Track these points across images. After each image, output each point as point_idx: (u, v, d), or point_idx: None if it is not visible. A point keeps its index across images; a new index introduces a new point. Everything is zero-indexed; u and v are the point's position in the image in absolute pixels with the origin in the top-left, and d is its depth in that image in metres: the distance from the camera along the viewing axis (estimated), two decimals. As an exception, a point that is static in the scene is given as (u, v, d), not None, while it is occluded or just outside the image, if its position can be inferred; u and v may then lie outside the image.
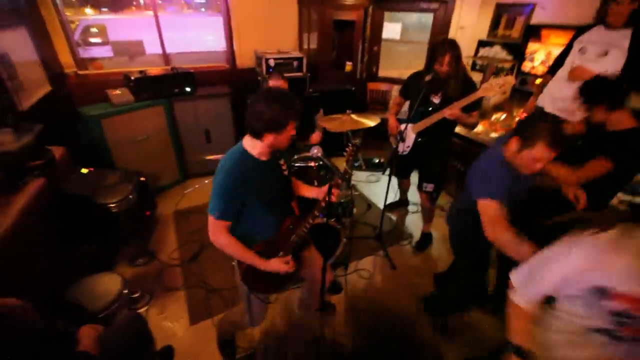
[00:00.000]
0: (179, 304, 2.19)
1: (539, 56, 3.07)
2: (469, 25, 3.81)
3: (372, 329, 2.08)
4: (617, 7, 2.05)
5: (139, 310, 2.11)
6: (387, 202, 2.65)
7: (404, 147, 2.50)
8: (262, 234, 1.45)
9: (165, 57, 3.63)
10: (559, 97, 2.46)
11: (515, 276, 1.13)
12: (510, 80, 1.99)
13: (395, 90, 4.36)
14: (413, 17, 4.95)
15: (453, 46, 2.06)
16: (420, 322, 2.12)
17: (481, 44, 3.66)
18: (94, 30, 4.57)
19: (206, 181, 3.50)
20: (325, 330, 2.00)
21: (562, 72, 2.44)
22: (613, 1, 2.05)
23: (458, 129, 3.07)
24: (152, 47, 3.61)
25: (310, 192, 1.66)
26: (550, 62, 2.65)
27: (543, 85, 2.64)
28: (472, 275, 1.90)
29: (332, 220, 2.51)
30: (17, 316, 1.16)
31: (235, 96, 3.49)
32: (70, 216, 2.11)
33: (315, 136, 2.75)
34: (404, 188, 3.16)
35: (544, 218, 1.79)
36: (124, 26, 4.75)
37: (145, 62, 3.62)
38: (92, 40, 4.52)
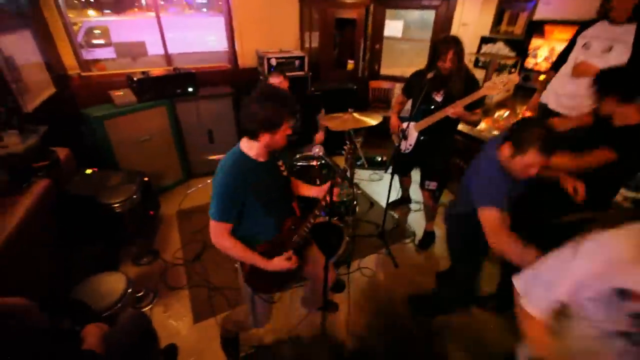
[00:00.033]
0: (183, 302, 2.21)
1: (542, 52, 3.05)
2: (471, 21, 3.78)
3: (375, 328, 2.08)
4: (621, 2, 2.02)
5: (143, 309, 2.13)
6: (390, 201, 2.65)
7: (407, 145, 2.49)
8: (263, 235, 1.46)
9: (168, 58, 3.65)
10: (563, 94, 2.44)
11: (519, 282, 1.08)
12: (515, 78, 1.98)
13: (398, 88, 4.35)
14: (415, 15, 4.92)
15: (456, 43, 2.05)
16: (423, 320, 2.12)
17: (484, 40, 3.64)
18: (96, 31, 4.62)
19: (209, 181, 3.51)
20: (328, 329, 2.00)
21: (566, 68, 2.42)
22: None
23: (461, 127, 3.06)
24: (154, 48, 3.62)
25: (310, 191, 1.66)
26: (554, 58, 2.62)
27: (547, 81, 2.62)
28: (469, 278, 1.90)
29: (335, 218, 2.51)
30: (23, 316, 1.17)
31: (237, 96, 3.50)
32: (75, 216, 2.13)
33: (319, 136, 2.75)
34: (405, 185, 3.17)
35: (548, 215, 1.79)
36: (127, 27, 4.78)
37: (148, 63, 3.63)
38: (95, 41, 4.57)
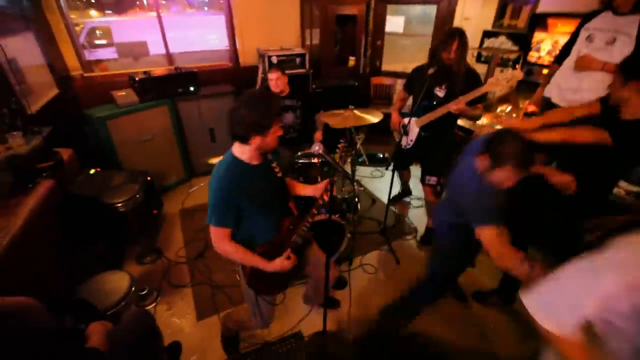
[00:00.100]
0: (186, 300, 2.23)
1: (545, 46, 3.01)
2: (473, 15, 3.75)
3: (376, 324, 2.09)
4: None
5: (147, 307, 2.16)
6: (393, 197, 2.65)
7: (407, 141, 2.49)
8: (262, 237, 1.47)
9: (169, 57, 3.66)
10: (566, 88, 2.41)
11: (533, 304, 0.95)
12: (518, 74, 1.96)
13: (399, 84, 4.32)
14: (416, 9, 4.88)
15: (460, 34, 2.06)
16: (424, 317, 2.12)
17: (486, 34, 3.60)
18: (99, 32, 4.64)
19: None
20: (330, 326, 2.01)
21: (569, 61, 2.38)
22: None
23: (462, 122, 3.05)
24: (156, 48, 3.63)
25: (305, 190, 1.66)
26: (557, 52, 2.59)
27: (550, 75, 2.58)
28: (449, 284, 1.88)
29: (336, 215, 2.51)
30: (27, 314, 1.20)
31: (238, 94, 3.51)
32: (79, 216, 2.16)
33: (318, 135, 2.76)
34: (404, 179, 3.20)
35: (547, 215, 1.77)
36: (128, 27, 4.80)
37: (150, 63, 3.65)
38: (97, 42, 4.59)
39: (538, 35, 3.06)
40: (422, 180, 2.57)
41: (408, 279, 2.39)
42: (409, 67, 2.57)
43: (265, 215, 1.44)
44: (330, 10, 4.03)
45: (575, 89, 2.31)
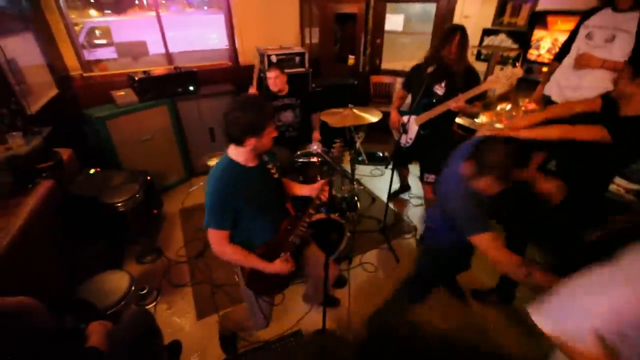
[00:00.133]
0: (186, 299, 2.24)
1: (545, 44, 3.00)
2: (473, 13, 3.73)
3: (376, 322, 2.09)
4: None
5: (148, 307, 2.17)
6: (391, 193, 2.66)
7: (407, 139, 2.49)
8: (260, 239, 1.47)
9: (169, 57, 3.66)
10: (566, 86, 2.40)
11: (542, 319, 0.90)
12: (518, 72, 1.96)
13: (399, 82, 4.31)
14: (416, 8, 4.86)
15: (462, 30, 2.09)
16: (423, 314, 2.13)
17: (486, 32, 3.59)
18: (98, 32, 4.64)
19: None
20: (329, 324, 2.02)
21: (569, 59, 2.38)
22: None
23: (462, 121, 3.05)
24: (155, 47, 3.63)
25: (302, 190, 1.67)
26: (557, 50, 2.58)
27: (550, 73, 2.58)
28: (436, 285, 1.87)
29: (336, 214, 2.52)
30: (28, 314, 1.20)
31: (238, 93, 3.50)
32: (79, 216, 2.17)
33: (316, 134, 2.77)
34: (403, 175, 3.22)
35: (545, 215, 1.77)
36: (128, 27, 4.80)
37: (149, 62, 3.65)
38: (97, 42, 4.59)
39: (538, 33, 3.05)
40: (421, 178, 2.57)
41: (407, 277, 2.39)
42: (408, 66, 2.57)
43: (262, 216, 1.44)
44: (329, 8, 4.02)
45: (575, 86, 2.30)
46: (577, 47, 2.29)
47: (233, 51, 3.84)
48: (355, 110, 2.51)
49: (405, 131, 2.41)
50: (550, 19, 2.93)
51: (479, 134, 1.80)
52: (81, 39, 4.13)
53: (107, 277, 1.83)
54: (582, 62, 2.20)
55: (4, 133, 1.93)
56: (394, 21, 4.42)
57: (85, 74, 3.21)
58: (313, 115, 2.82)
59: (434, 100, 2.27)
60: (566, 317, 0.86)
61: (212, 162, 2.68)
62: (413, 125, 2.40)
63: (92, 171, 2.53)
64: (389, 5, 4.25)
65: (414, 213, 3.11)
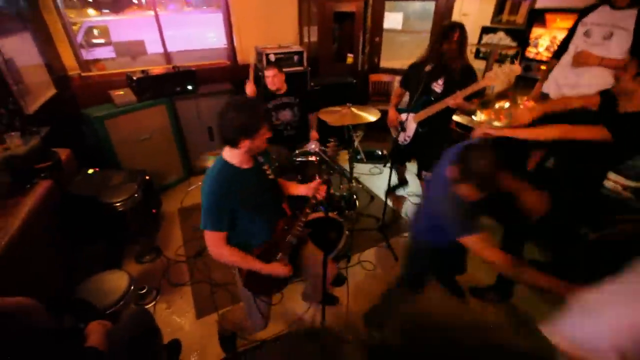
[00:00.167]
0: (186, 299, 2.25)
1: (543, 41, 3.00)
2: (472, 11, 3.73)
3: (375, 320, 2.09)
4: None
5: (147, 306, 2.17)
6: (389, 188, 2.67)
7: (405, 137, 2.49)
8: (257, 240, 1.48)
9: (167, 56, 3.65)
10: (564, 84, 2.41)
11: (559, 330, 0.86)
12: (517, 69, 1.96)
13: (398, 81, 4.31)
14: (415, 5, 4.86)
15: (460, 26, 2.11)
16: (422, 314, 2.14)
17: (484, 30, 3.59)
18: (96, 31, 4.62)
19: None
20: (328, 322, 2.02)
21: (567, 57, 2.38)
22: None
23: (460, 119, 3.05)
24: (154, 47, 3.63)
25: (298, 190, 1.67)
26: (555, 48, 2.58)
27: (549, 70, 2.58)
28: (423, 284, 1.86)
29: (335, 213, 2.52)
30: (26, 315, 1.20)
31: (237, 92, 3.50)
32: (78, 216, 2.17)
33: (314, 133, 2.77)
34: (400, 171, 3.24)
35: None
36: (126, 26, 4.79)
37: (148, 62, 3.64)
38: (95, 41, 4.58)
39: (536, 31, 3.05)
40: (419, 176, 2.58)
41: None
42: (407, 64, 2.57)
43: (259, 217, 1.45)
44: (328, 7, 4.01)
45: (573, 84, 2.30)
46: (575, 45, 2.29)
47: (231, 50, 3.83)
48: (353, 109, 2.51)
49: (404, 129, 2.41)
50: (548, 16, 2.93)
51: (478, 133, 1.80)
52: (79, 38, 4.12)
53: (106, 276, 1.83)
54: (580, 60, 2.20)
55: (1, 133, 1.93)
56: (392, 19, 4.41)
57: (83, 74, 3.21)
58: (310, 115, 2.82)
59: (432, 98, 2.27)
60: (585, 334, 0.82)
61: (212, 161, 2.67)
62: (411, 123, 2.40)
63: (90, 171, 2.53)
64: (387, 3, 4.23)
65: (413, 211, 3.11)
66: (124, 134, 2.93)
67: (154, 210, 2.81)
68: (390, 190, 3.17)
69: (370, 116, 2.46)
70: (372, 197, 3.31)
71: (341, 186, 2.96)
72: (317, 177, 2.46)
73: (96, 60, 3.72)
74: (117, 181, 2.49)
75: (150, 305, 2.19)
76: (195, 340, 1.98)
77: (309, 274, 1.77)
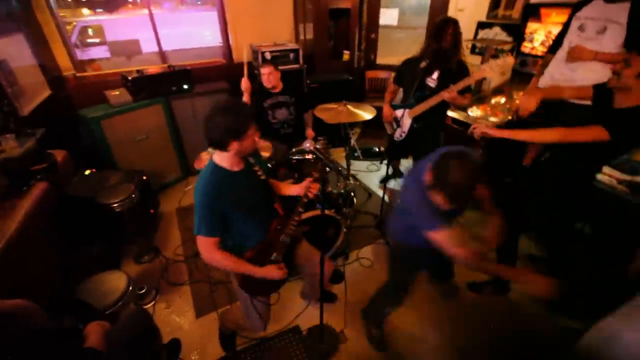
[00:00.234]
0: (185, 298, 2.25)
1: (538, 36, 3.00)
2: (467, 6, 3.71)
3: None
4: None
5: (146, 306, 2.18)
6: (382, 178, 2.68)
7: (400, 133, 2.50)
8: (251, 241, 1.48)
9: (162, 55, 3.64)
10: (559, 79, 2.40)
11: None
12: (510, 60, 1.98)
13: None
14: (410, 1, 4.85)
15: (455, 22, 2.14)
16: (420, 308, 2.15)
17: (480, 25, 3.58)
18: (91, 31, 4.60)
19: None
20: (327, 320, 2.04)
21: (562, 52, 2.38)
22: None
23: (457, 115, 3.05)
24: (149, 46, 3.61)
25: (290, 190, 1.67)
26: (551, 42, 2.58)
27: (544, 65, 2.58)
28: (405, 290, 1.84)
29: (332, 210, 2.52)
30: (25, 316, 1.21)
31: (233, 91, 3.49)
32: (75, 217, 2.17)
33: (310, 131, 2.77)
34: (395, 164, 3.27)
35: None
36: (121, 26, 4.76)
37: (143, 61, 3.62)
38: (90, 41, 4.55)
39: (531, 26, 3.04)
40: None
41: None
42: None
43: (252, 219, 1.45)
44: (323, 3, 3.99)
45: (568, 79, 2.30)
46: (569, 40, 2.29)
47: (227, 48, 3.82)
48: (349, 107, 2.51)
49: (399, 125, 2.42)
50: (543, 11, 2.93)
51: (477, 133, 1.80)
52: (74, 38, 4.10)
53: (104, 277, 1.84)
54: (575, 55, 2.19)
55: (-4, 136, 1.92)
56: (388, 15, 4.40)
57: (78, 74, 3.19)
58: (305, 113, 2.83)
59: (427, 93, 2.29)
60: None
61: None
62: (406, 118, 2.41)
63: (87, 172, 2.53)
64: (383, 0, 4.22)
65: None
66: (121, 134, 2.92)
67: (151, 211, 2.81)
68: (384, 181, 3.17)
69: (366, 114, 2.46)
70: (370, 194, 3.32)
71: (338, 184, 2.96)
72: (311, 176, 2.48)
73: (91, 60, 3.70)
74: (114, 182, 2.49)
75: (149, 305, 2.20)
76: (195, 340, 1.99)
77: (306, 272, 1.78)
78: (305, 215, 2.10)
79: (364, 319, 2.03)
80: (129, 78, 2.96)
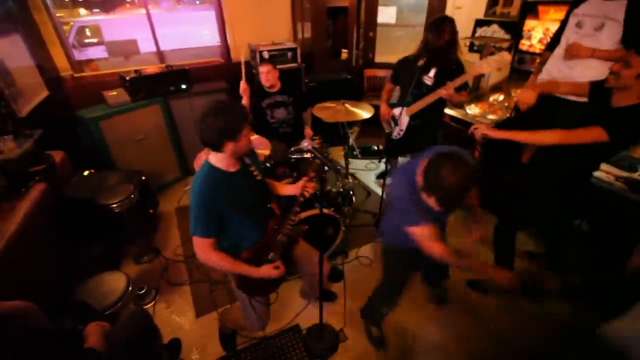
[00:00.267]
0: (185, 298, 2.26)
1: (536, 34, 2.99)
2: (465, 4, 3.71)
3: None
4: None
5: (146, 306, 2.18)
6: (379, 173, 2.67)
7: (398, 131, 2.50)
8: (248, 241, 1.48)
9: (160, 55, 3.63)
10: (557, 76, 2.40)
11: None
12: (507, 56, 1.98)
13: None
14: (409, -1, 4.84)
15: (451, 20, 2.13)
16: (421, 307, 2.16)
17: (478, 23, 3.57)
18: (88, 31, 4.58)
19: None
20: (326, 318, 2.04)
21: (559, 49, 2.38)
22: None
23: (455, 113, 3.06)
24: (147, 45, 3.60)
25: (286, 190, 1.68)
26: (549, 40, 2.58)
27: (542, 63, 2.58)
28: (400, 291, 1.85)
29: (331, 209, 2.53)
30: (24, 317, 1.21)
31: (231, 90, 3.49)
32: (74, 218, 2.17)
33: (308, 130, 2.77)
34: (394, 164, 3.22)
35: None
36: (118, 25, 4.75)
37: (141, 61, 3.62)
38: (87, 41, 4.54)
39: (529, 23, 3.04)
40: None
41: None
42: (402, 59, 2.56)
43: (248, 220, 1.45)
44: (321, 2, 3.98)
45: (566, 77, 2.30)
46: (567, 37, 2.29)
47: (225, 48, 3.81)
48: (347, 105, 2.51)
49: (397, 123, 2.42)
50: (541, 8, 2.92)
51: (478, 134, 1.80)
52: (71, 38, 4.09)
53: (104, 278, 1.84)
54: (572, 52, 2.19)
55: (-6, 137, 1.92)
56: (386, 13, 4.40)
57: (76, 75, 3.18)
58: (304, 113, 2.83)
59: (424, 91, 2.29)
60: None
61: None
62: (404, 116, 2.41)
63: (86, 173, 2.52)
64: (380, -3, 4.22)
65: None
66: (119, 134, 2.92)
67: (150, 211, 2.81)
68: (381, 176, 3.17)
69: (365, 112, 2.46)
70: (369, 192, 3.32)
71: (337, 182, 2.96)
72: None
73: (89, 61, 3.69)
74: (113, 182, 2.49)
75: (149, 305, 2.20)
76: (195, 339, 1.99)
77: (304, 272, 1.78)
78: (304, 214, 2.11)
79: (362, 318, 2.04)
80: (127, 78, 2.96)
